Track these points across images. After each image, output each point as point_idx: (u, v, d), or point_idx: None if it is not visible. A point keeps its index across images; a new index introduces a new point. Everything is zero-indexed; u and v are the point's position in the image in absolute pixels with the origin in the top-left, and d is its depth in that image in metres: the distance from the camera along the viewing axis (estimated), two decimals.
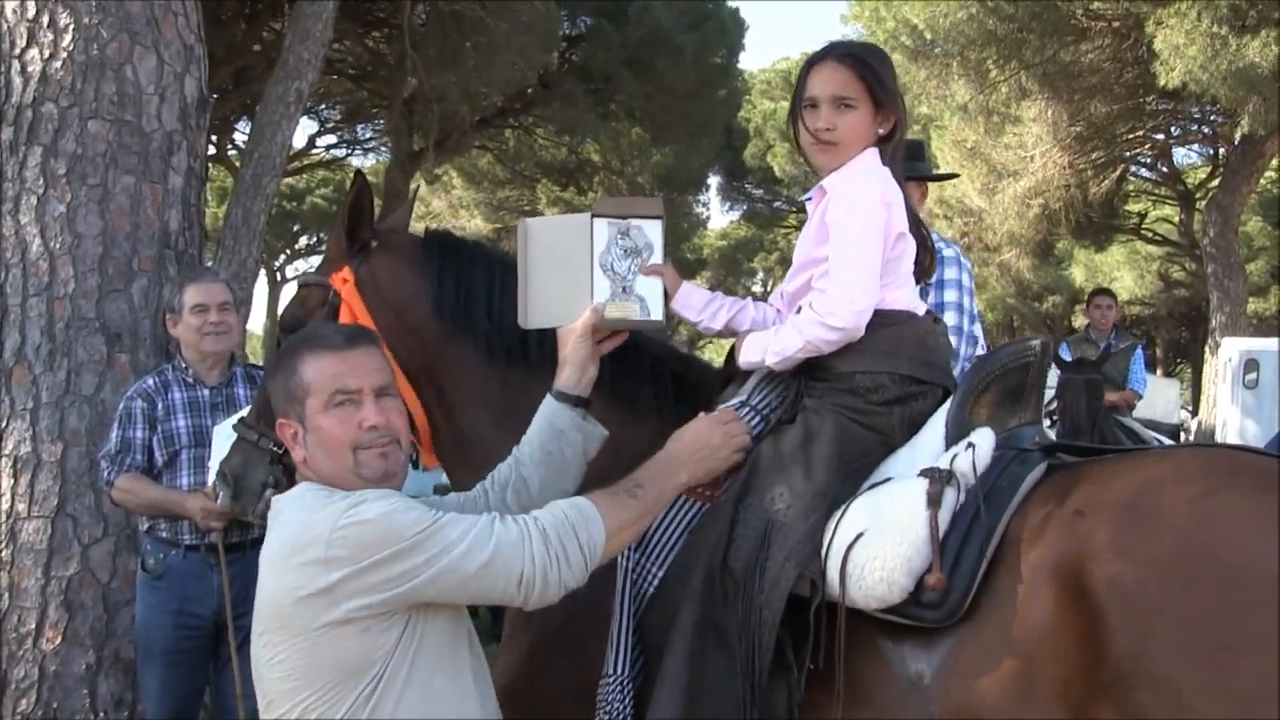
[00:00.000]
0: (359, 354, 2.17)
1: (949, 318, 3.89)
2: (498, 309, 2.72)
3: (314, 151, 24.14)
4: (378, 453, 2.15)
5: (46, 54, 4.61)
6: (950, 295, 4.00)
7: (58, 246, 4.57)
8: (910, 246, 2.51)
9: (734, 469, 2.41)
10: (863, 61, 2.48)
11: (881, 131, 2.51)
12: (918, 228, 2.57)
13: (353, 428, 2.12)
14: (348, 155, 25.72)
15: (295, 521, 2.05)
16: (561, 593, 2.07)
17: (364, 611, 1.97)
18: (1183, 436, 13.99)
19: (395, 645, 2.02)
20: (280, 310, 3.08)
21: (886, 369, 2.39)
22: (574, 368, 2.47)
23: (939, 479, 2.15)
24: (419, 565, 1.96)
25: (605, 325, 2.54)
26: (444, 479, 3.05)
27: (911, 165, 4.19)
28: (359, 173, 2.94)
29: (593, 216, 2.57)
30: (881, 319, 2.40)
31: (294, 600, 1.99)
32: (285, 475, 2.74)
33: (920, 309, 2.53)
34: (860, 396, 2.38)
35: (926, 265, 2.61)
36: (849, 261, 2.37)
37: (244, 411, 3.78)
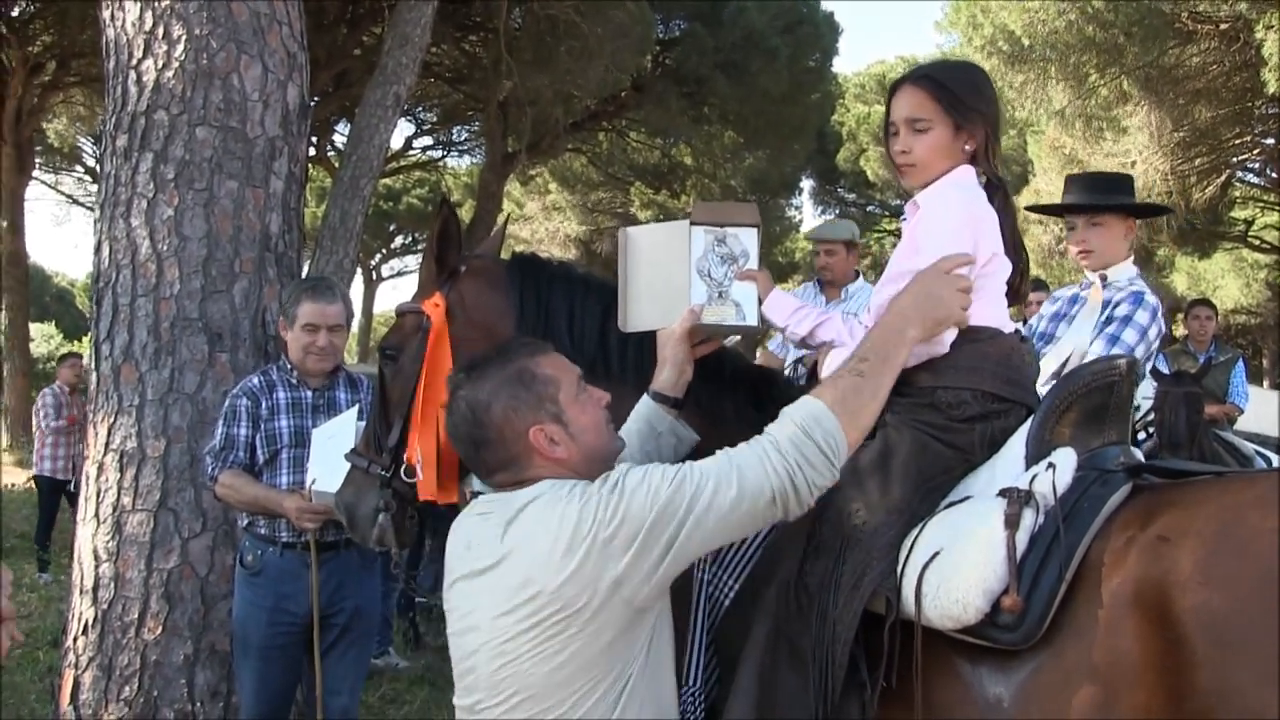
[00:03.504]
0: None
1: (1114, 353, 3.79)
2: (579, 324, 2.77)
3: (410, 153, 24.58)
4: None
5: (160, 64, 4.76)
6: (1129, 335, 3.84)
7: (165, 249, 4.71)
8: (1004, 266, 2.49)
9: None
10: (936, 82, 2.49)
11: (968, 148, 2.50)
12: (1016, 251, 2.55)
13: (601, 404, 2.29)
14: (443, 157, 26.18)
15: (559, 515, 2.06)
16: (815, 495, 2.09)
17: (647, 589, 2.03)
18: None
19: (646, 645, 2.11)
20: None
21: (969, 385, 2.38)
22: (673, 368, 2.54)
23: (1018, 499, 2.13)
24: (682, 516, 2.01)
25: (702, 329, 2.60)
26: None
27: (1117, 198, 4.11)
28: (444, 200, 2.97)
29: (690, 224, 2.63)
30: (966, 335, 2.40)
31: (580, 587, 2.02)
32: (395, 499, 2.82)
33: (1008, 327, 2.51)
34: (941, 413, 2.37)
35: (1018, 287, 2.58)
36: None
37: (343, 421, 3.88)
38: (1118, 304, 3.92)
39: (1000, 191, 2.54)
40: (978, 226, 2.41)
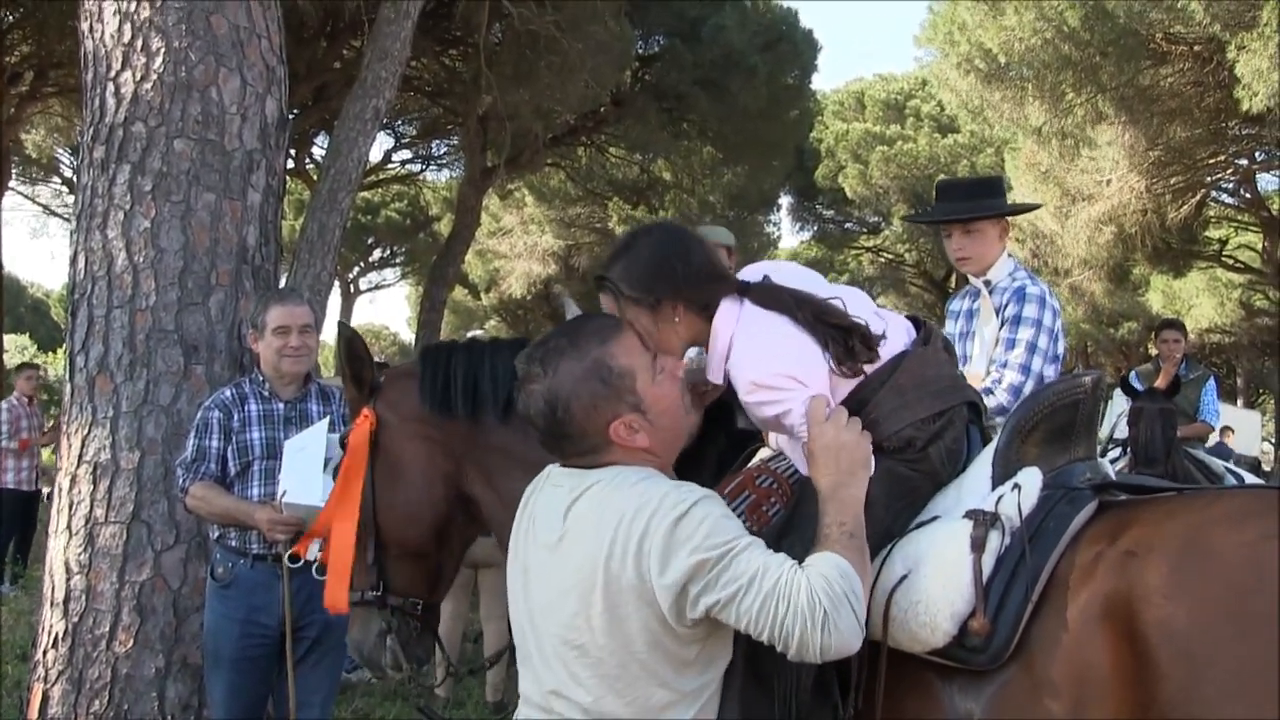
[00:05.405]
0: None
1: (1016, 355, 3.77)
2: (488, 375, 2.75)
3: (389, 166, 24.48)
4: None
5: (139, 76, 4.75)
6: (1024, 333, 3.77)
7: (141, 260, 4.70)
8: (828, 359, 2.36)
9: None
10: (613, 285, 2.45)
11: (677, 319, 2.43)
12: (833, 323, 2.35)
13: (678, 375, 2.29)
14: (422, 171, 26.08)
15: (616, 506, 2.07)
16: (835, 644, 1.98)
17: (663, 611, 2.02)
18: (1264, 468, 13.65)
19: (706, 680, 2.14)
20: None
21: (905, 422, 2.34)
22: None
23: (983, 522, 2.15)
24: (709, 581, 1.99)
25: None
26: None
27: (991, 203, 4.12)
28: (342, 326, 3.09)
29: None
30: (872, 381, 2.36)
31: (610, 576, 2.04)
32: (396, 616, 2.84)
33: (903, 339, 2.46)
34: (893, 456, 2.35)
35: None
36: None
37: (314, 433, 3.86)
38: (1006, 305, 3.90)
39: (756, 288, 2.42)
40: (792, 366, 2.31)
